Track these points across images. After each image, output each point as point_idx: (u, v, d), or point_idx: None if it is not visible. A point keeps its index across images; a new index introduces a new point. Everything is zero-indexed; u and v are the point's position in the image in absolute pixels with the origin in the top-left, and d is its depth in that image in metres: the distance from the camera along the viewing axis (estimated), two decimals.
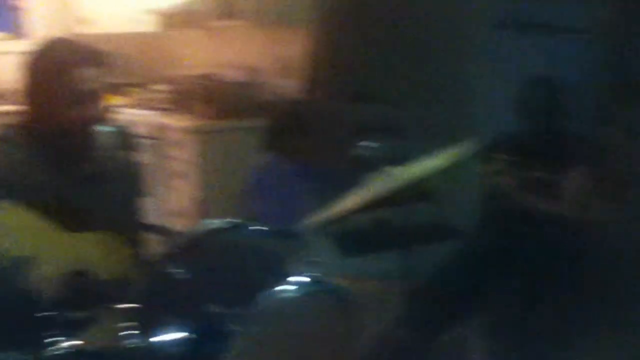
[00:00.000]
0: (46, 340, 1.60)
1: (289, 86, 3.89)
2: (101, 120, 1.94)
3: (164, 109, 4.22)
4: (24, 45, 3.59)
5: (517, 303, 2.46)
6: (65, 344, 1.61)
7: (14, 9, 4.79)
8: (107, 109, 1.95)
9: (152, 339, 1.62)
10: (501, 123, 2.90)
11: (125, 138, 2.11)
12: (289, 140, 3.07)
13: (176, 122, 3.87)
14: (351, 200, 1.94)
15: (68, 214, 1.87)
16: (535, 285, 2.49)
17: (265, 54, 4.17)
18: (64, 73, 1.82)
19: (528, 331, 2.44)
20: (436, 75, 4.20)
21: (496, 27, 3.90)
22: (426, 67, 4.26)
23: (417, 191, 4.08)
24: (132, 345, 1.61)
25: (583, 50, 3.38)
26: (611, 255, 3.02)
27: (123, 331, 1.63)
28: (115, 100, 4.33)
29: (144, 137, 3.92)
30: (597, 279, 3.22)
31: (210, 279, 1.75)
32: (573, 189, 2.61)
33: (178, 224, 3.65)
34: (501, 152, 2.61)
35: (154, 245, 2.10)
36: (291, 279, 1.75)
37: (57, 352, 1.59)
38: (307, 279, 1.77)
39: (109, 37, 3.82)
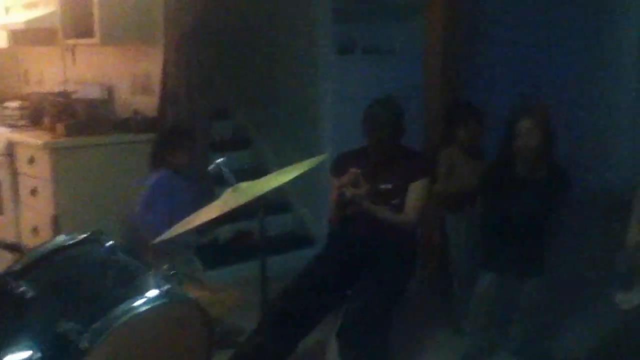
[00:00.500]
0: None
1: (144, 103, 3.90)
2: None
3: (17, 126, 4.10)
4: None
5: (368, 304, 2.60)
6: None
7: None
8: None
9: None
10: (347, 138, 3.08)
11: None
12: (154, 156, 3.09)
13: (29, 138, 3.76)
14: (209, 214, 1.98)
15: None
16: (382, 287, 2.65)
17: (121, 72, 4.15)
18: None
19: (378, 329, 2.58)
20: (288, 94, 4.45)
21: (339, 52, 4.23)
22: (278, 87, 4.49)
23: (274, 202, 4.23)
24: None
25: (417, 72, 3.67)
26: (451, 259, 3.27)
27: None
28: None
29: None
30: (438, 281, 3.48)
31: (59, 295, 1.73)
32: (413, 198, 2.80)
33: (32, 241, 3.55)
34: (349, 165, 2.75)
35: (5, 262, 2.05)
36: (144, 292, 1.77)
37: None
38: (159, 292, 1.78)
39: None
